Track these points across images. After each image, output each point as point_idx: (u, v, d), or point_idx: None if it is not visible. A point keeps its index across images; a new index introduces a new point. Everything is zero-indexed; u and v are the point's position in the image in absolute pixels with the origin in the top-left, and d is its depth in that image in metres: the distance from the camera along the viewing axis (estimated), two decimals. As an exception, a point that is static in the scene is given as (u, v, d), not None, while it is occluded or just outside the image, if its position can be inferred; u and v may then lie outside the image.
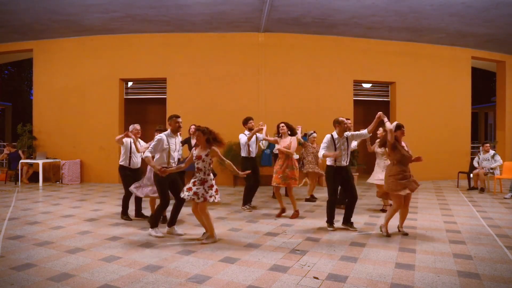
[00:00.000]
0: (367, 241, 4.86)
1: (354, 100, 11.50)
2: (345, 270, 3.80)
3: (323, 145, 5.50)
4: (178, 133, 5.34)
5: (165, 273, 3.71)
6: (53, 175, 11.25)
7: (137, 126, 6.19)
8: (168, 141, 5.07)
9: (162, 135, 5.07)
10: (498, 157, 9.54)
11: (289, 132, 6.43)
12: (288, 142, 6.32)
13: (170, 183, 5.10)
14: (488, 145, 9.74)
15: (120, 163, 6.16)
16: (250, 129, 6.97)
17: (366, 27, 10.42)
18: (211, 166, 4.74)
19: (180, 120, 5.18)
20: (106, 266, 3.88)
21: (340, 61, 11.31)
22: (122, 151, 6.16)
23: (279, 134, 6.52)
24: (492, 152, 9.64)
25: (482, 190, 9.30)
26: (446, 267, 3.89)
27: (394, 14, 9.38)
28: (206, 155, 4.67)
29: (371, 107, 13.65)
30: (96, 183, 10.90)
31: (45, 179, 10.75)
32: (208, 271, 3.79)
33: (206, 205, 4.68)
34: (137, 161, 6.22)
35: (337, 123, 5.55)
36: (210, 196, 4.62)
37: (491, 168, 9.47)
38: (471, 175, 9.75)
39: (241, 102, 10.82)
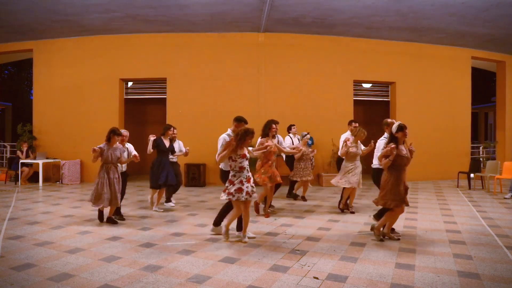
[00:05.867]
0: (367, 241, 4.86)
1: (354, 100, 11.49)
2: (345, 270, 3.81)
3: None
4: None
5: (165, 273, 3.71)
6: (53, 175, 11.25)
7: (125, 132, 6.39)
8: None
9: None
10: None
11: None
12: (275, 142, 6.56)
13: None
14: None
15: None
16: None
17: (366, 27, 10.41)
18: None
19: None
20: (106, 266, 3.88)
21: (340, 61, 11.31)
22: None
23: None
24: None
25: None
26: (446, 267, 3.89)
27: (394, 14, 9.37)
28: None
29: (371, 107, 13.67)
30: (96, 183, 10.87)
31: (45, 179, 10.75)
32: (208, 271, 3.79)
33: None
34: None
35: (387, 125, 5.74)
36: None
37: None
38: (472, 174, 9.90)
39: (241, 102, 10.81)
